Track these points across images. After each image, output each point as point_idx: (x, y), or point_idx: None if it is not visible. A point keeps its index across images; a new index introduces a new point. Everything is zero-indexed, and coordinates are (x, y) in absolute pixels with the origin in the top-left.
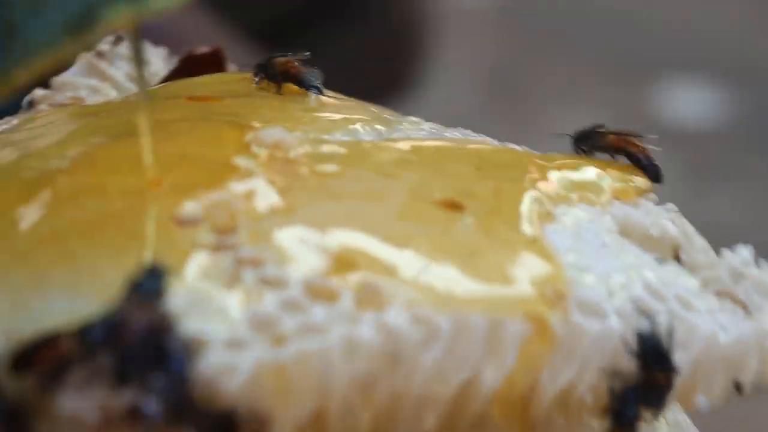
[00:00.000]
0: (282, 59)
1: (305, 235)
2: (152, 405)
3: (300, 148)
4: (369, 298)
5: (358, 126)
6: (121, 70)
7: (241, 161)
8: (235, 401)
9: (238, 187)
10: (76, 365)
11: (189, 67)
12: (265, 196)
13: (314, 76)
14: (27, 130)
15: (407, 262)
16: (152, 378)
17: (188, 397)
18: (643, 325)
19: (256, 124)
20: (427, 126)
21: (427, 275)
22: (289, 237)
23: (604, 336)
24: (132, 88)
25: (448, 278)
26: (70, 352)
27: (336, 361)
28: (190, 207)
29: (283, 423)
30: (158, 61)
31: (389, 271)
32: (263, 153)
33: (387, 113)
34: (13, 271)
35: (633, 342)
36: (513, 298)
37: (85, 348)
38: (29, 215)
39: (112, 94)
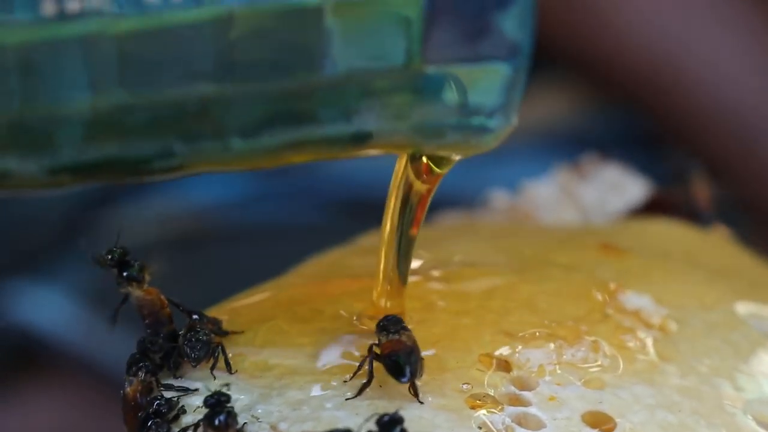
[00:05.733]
0: None
1: (594, 413)
2: None
3: (656, 321)
4: None
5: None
6: (594, 191)
7: (583, 326)
8: None
9: (564, 348)
10: None
11: (655, 208)
12: (585, 365)
13: None
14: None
15: None
16: None
17: None
18: None
19: (625, 289)
20: None
21: None
22: (579, 412)
23: None
24: (598, 214)
25: None
26: None
27: None
28: (507, 350)
29: None
30: (635, 189)
31: None
32: (616, 317)
33: None
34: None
35: None
36: None
37: None
38: None
39: (569, 213)
